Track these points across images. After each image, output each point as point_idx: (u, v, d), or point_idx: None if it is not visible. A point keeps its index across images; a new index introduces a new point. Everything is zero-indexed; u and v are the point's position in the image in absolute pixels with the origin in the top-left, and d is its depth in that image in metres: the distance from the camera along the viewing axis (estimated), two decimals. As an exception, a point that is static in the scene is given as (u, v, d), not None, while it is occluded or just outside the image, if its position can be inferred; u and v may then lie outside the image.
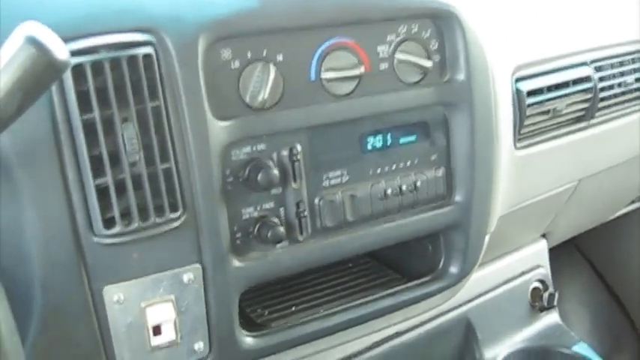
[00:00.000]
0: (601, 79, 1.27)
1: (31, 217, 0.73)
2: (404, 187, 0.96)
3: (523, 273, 1.43)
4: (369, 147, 0.93)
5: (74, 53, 0.71)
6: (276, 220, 0.86)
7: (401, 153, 0.96)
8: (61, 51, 0.56)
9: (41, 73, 0.56)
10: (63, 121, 0.73)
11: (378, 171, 0.94)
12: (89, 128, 0.73)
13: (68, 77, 0.71)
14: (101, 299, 0.78)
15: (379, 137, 0.94)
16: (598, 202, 1.57)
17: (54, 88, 0.72)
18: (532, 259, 1.46)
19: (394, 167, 0.96)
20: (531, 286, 1.44)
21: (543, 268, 1.47)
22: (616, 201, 1.69)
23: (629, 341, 2.11)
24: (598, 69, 1.27)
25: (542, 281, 1.46)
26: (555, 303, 1.42)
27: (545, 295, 1.42)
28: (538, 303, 1.43)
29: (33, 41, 0.55)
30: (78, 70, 0.71)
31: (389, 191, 0.94)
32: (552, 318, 1.46)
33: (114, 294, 0.78)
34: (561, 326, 1.45)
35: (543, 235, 1.52)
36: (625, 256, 2.05)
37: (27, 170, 0.73)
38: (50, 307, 0.76)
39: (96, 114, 0.72)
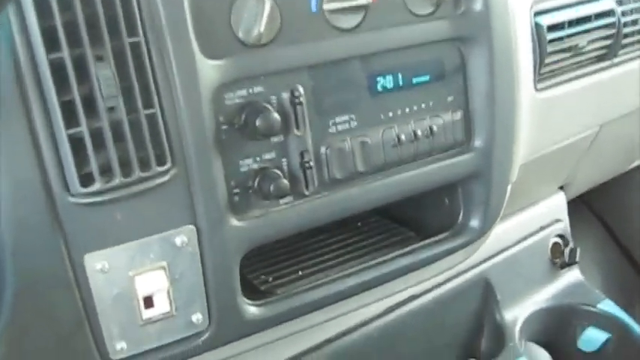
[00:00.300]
0: (624, 13, 1.17)
1: (-4, 175, 0.63)
2: (419, 133, 0.86)
3: (542, 228, 1.34)
4: (379, 88, 0.83)
5: (35, -19, 0.60)
6: (278, 172, 0.76)
7: (414, 94, 0.86)
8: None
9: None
10: (27, 62, 0.62)
11: (390, 115, 0.84)
12: (58, 69, 0.62)
13: (30, 10, 0.61)
14: (82, 269, 0.68)
15: (389, 77, 0.84)
16: (618, 150, 1.48)
17: (14, 24, 0.61)
18: (551, 212, 1.37)
19: (407, 110, 0.86)
20: (551, 242, 1.35)
21: (562, 222, 1.38)
22: (635, 150, 1.59)
23: (641, 298, 2.05)
24: (620, 2, 1.17)
25: (561, 236, 1.36)
26: (577, 259, 1.33)
27: (567, 250, 1.33)
28: (559, 259, 1.34)
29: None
30: (42, 2, 0.61)
31: (402, 137, 0.84)
32: (574, 275, 1.37)
33: (97, 262, 0.68)
34: (584, 283, 1.37)
35: (561, 188, 1.42)
36: (636, 211, 1.97)
37: (-13, 121, 0.62)
38: (24, 279, 0.66)
39: (65, 53, 0.62)
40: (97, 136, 0.64)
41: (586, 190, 1.66)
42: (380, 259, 0.91)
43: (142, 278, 0.71)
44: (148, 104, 0.66)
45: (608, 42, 1.15)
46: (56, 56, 0.62)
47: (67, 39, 0.62)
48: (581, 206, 2.01)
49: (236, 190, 0.76)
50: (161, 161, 0.68)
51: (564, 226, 1.38)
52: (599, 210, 2.05)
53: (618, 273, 2.03)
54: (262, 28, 0.72)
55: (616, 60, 1.19)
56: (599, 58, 1.17)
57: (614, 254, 2.06)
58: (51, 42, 0.62)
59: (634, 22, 1.19)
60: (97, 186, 0.65)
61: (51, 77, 0.62)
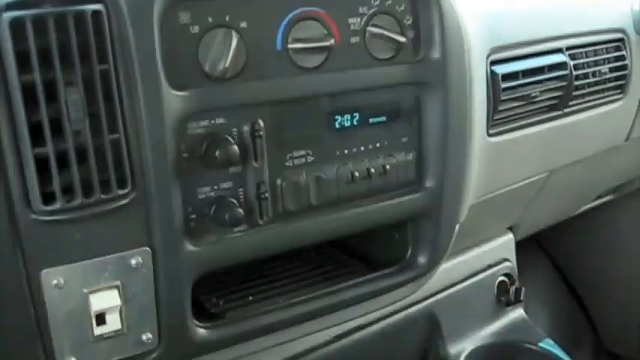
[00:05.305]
0: (575, 67, 1.23)
1: (-41, 188, 0.66)
2: (372, 171, 0.90)
3: (490, 266, 1.38)
4: (337, 126, 0.87)
5: (12, 5, 0.63)
6: (234, 201, 0.79)
7: (370, 134, 0.90)
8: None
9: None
10: (-2, 82, 0.65)
11: (346, 152, 0.88)
12: (28, 91, 0.65)
13: (6, 34, 0.63)
14: (38, 283, 0.70)
15: (347, 116, 0.87)
16: (566, 195, 1.54)
17: (-12, 45, 0.64)
18: (499, 252, 1.41)
19: (362, 149, 0.89)
20: (497, 280, 1.39)
21: (510, 262, 1.43)
22: (583, 195, 1.65)
23: (588, 338, 2.10)
24: (573, 57, 1.23)
25: (508, 275, 1.41)
26: (522, 298, 1.37)
27: (512, 289, 1.38)
28: (504, 297, 1.38)
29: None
30: (17, 26, 0.64)
31: (356, 174, 0.88)
32: (518, 313, 1.42)
33: (53, 278, 0.70)
34: (527, 322, 1.41)
35: (510, 229, 1.47)
36: (586, 253, 2.04)
37: (-45, 135, 0.65)
38: (-21, 291, 0.69)
39: (36, 75, 0.65)
40: (62, 157, 0.67)
41: (539, 231, 1.72)
42: (328, 289, 0.94)
43: (96, 296, 0.73)
44: (112, 129, 0.69)
45: (559, 93, 1.21)
46: (27, 78, 0.65)
47: (40, 62, 0.65)
48: (533, 244, 2.07)
49: (192, 216, 0.79)
50: (122, 184, 0.71)
51: (512, 265, 1.43)
52: (549, 249, 2.11)
53: (565, 312, 2.09)
54: (228, 63, 0.75)
55: (566, 110, 1.24)
56: (551, 108, 1.22)
57: (562, 293, 2.11)
58: (24, 64, 0.64)
59: (585, 76, 1.25)
60: (58, 205, 0.68)
61: (21, 97, 0.65)
